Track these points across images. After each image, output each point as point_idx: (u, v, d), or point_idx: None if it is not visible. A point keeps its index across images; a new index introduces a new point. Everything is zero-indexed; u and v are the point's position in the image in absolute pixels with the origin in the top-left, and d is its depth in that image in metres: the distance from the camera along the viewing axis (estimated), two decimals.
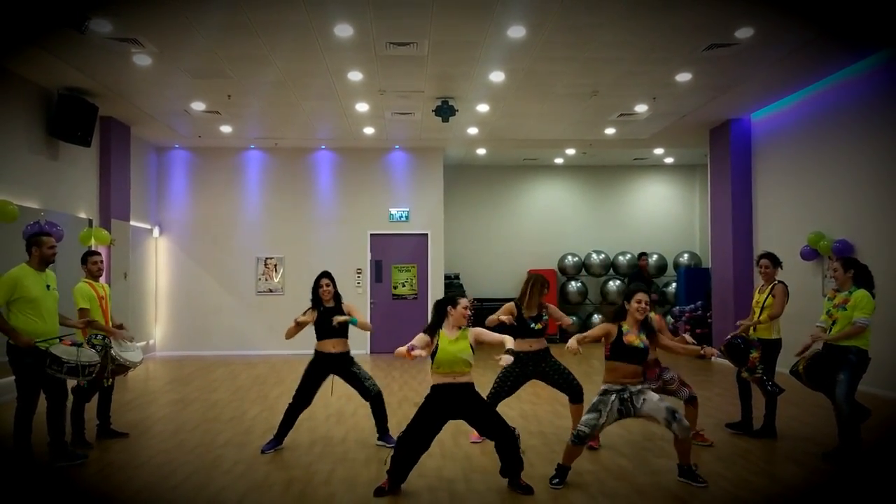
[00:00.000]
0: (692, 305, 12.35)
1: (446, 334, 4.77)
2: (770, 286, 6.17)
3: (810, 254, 9.20)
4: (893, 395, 7.66)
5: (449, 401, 4.64)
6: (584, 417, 4.75)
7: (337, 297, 5.94)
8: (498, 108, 10.24)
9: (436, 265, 12.94)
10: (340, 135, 11.99)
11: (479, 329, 4.88)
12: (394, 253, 13.03)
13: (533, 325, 5.74)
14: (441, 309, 4.87)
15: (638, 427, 6.50)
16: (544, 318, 5.83)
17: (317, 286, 5.89)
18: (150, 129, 11.38)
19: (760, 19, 6.83)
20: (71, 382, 5.43)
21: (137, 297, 11.80)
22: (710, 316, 11.70)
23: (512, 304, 5.83)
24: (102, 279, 6.19)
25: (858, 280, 5.45)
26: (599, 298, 14.80)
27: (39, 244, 5.28)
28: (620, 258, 14.75)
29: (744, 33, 7.14)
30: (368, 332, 12.32)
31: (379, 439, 5.87)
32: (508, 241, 15.14)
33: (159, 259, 12.80)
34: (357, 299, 12.62)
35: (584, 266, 14.80)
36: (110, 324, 6.00)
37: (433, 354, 4.68)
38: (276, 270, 12.78)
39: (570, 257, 14.79)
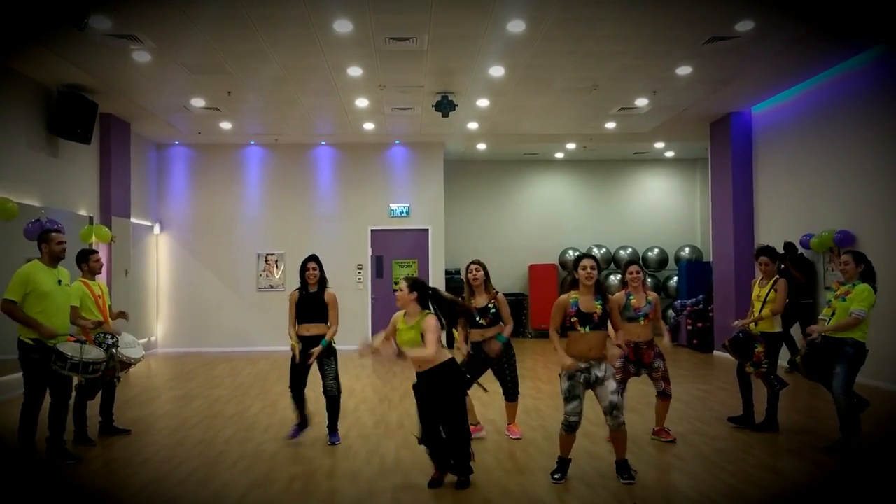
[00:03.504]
0: (693, 299, 12.34)
1: (404, 320, 4.76)
2: (771, 281, 6.16)
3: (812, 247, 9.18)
4: None
5: (423, 388, 4.68)
6: (568, 407, 4.69)
7: (322, 281, 5.93)
8: (498, 103, 10.22)
9: (436, 260, 12.93)
10: (340, 130, 11.98)
11: (434, 322, 4.67)
12: (394, 248, 13.03)
13: (478, 318, 5.80)
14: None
15: (641, 422, 6.52)
16: (492, 310, 5.84)
17: (304, 269, 5.92)
18: (149, 125, 11.37)
19: (760, 13, 6.82)
20: (75, 380, 5.45)
21: (138, 294, 11.80)
22: (711, 309, 11.70)
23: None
24: (103, 277, 6.20)
25: (863, 274, 5.45)
26: None
27: (48, 241, 5.37)
28: (621, 252, 14.74)
29: (744, 26, 7.13)
30: (368, 330, 12.35)
31: (330, 436, 5.88)
32: (509, 236, 15.13)
33: (160, 256, 12.81)
34: (358, 295, 12.64)
35: None
36: (109, 323, 6.02)
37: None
38: (276, 266, 12.78)
39: (570, 251, 14.77)
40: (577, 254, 5.18)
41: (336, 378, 5.89)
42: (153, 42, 7.46)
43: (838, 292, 5.52)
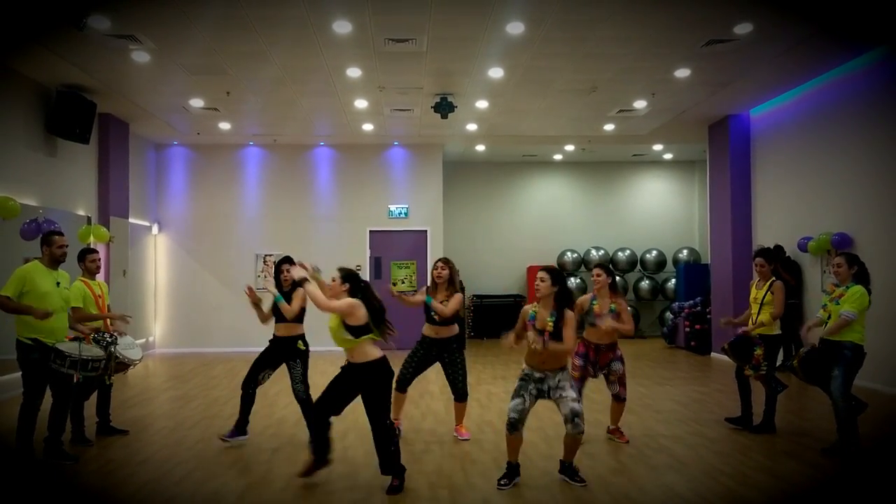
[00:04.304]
0: (691, 301, 12.36)
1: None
2: (768, 283, 6.17)
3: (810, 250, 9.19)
4: (895, 391, 7.67)
5: (348, 378, 4.66)
6: (512, 403, 4.68)
7: (295, 284, 5.84)
8: (497, 105, 10.22)
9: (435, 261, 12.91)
10: (339, 131, 11.98)
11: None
12: (393, 249, 13.03)
13: (432, 313, 5.85)
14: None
15: (638, 423, 6.52)
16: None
17: (277, 271, 5.94)
18: (148, 125, 11.36)
19: (759, 15, 6.83)
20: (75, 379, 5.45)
21: (137, 295, 11.79)
22: (709, 311, 11.71)
23: (425, 288, 6.05)
24: (101, 277, 6.21)
25: (858, 276, 5.46)
26: None
27: (50, 243, 5.39)
28: (620, 254, 14.76)
29: (743, 29, 7.14)
30: None
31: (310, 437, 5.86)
32: (508, 238, 15.14)
33: (158, 256, 12.80)
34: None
35: (583, 262, 14.80)
36: (109, 322, 6.02)
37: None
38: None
39: (569, 253, 14.79)
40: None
41: (302, 381, 5.80)
42: (152, 42, 7.46)
43: (833, 295, 5.53)
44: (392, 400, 5.21)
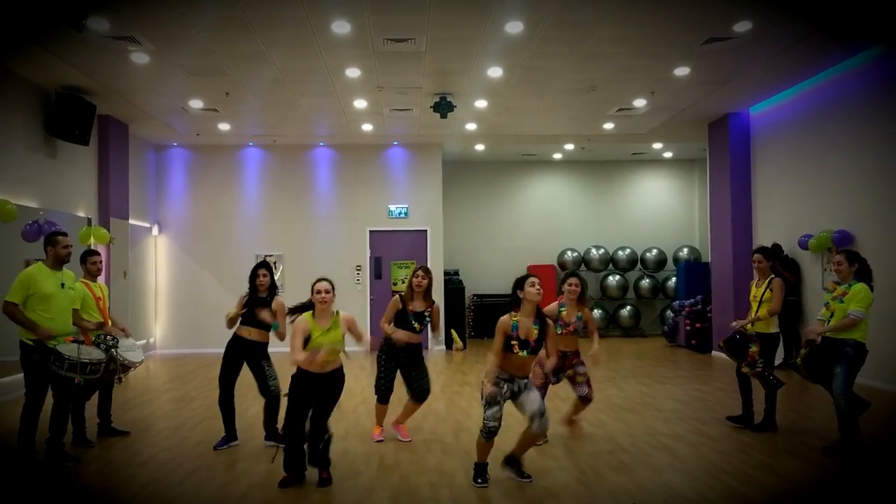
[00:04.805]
0: (692, 300, 12.36)
1: (317, 324, 4.72)
2: (767, 280, 6.17)
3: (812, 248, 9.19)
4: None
5: (312, 387, 4.69)
6: (489, 412, 4.62)
7: (272, 288, 5.93)
8: (496, 104, 10.22)
9: (435, 261, 12.92)
10: (339, 131, 11.98)
11: (350, 316, 4.87)
12: (393, 249, 13.03)
13: (413, 322, 5.87)
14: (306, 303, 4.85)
15: (639, 422, 6.53)
16: (427, 319, 5.95)
17: (254, 276, 5.95)
18: (148, 127, 11.36)
19: (758, 13, 6.83)
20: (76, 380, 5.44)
21: (137, 296, 11.80)
22: (709, 310, 11.71)
23: (397, 298, 5.95)
24: (102, 278, 6.21)
25: (859, 273, 5.45)
26: (599, 293, 14.80)
27: (55, 244, 5.38)
28: (620, 253, 14.76)
29: (742, 27, 7.13)
30: (367, 329, 12.31)
31: (266, 438, 5.89)
32: (508, 237, 15.14)
33: (158, 257, 12.80)
34: (357, 296, 12.63)
35: (583, 261, 14.80)
36: (109, 324, 6.01)
37: (305, 343, 4.65)
38: (275, 267, 12.77)
39: (569, 252, 14.79)
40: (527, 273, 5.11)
41: (276, 378, 5.89)
42: (151, 43, 7.46)
43: (835, 293, 5.52)
44: (376, 412, 5.78)
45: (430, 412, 7.02)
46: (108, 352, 5.62)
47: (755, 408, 6.25)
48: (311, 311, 4.78)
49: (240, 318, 5.85)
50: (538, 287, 4.69)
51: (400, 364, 5.93)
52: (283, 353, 4.90)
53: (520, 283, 4.77)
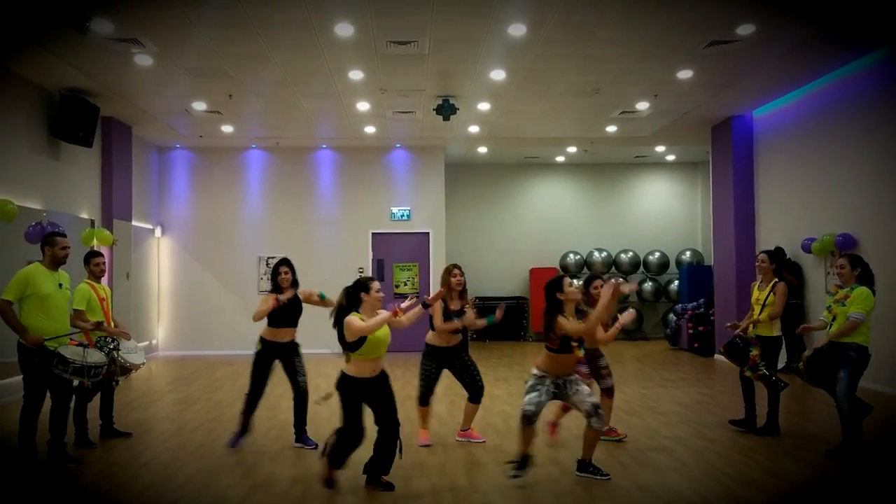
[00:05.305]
0: (694, 303, 12.34)
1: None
2: (770, 284, 6.16)
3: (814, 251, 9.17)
4: None
5: (368, 390, 4.56)
6: (528, 397, 4.71)
7: (294, 284, 6.00)
8: (499, 107, 10.23)
9: (437, 264, 12.90)
10: (341, 134, 11.99)
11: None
12: (395, 252, 13.03)
13: (455, 321, 5.81)
14: (354, 296, 4.61)
15: (640, 425, 6.51)
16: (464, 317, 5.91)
17: (276, 273, 5.98)
18: (151, 129, 11.39)
19: (762, 16, 6.82)
20: (75, 383, 5.44)
21: (140, 297, 11.81)
22: (712, 313, 11.69)
23: (440, 301, 5.78)
24: (105, 280, 6.21)
25: (861, 277, 5.44)
26: None
27: (53, 244, 5.37)
28: (622, 256, 14.75)
29: (745, 30, 7.13)
30: None
31: (297, 441, 5.86)
32: (510, 240, 15.13)
33: (161, 259, 12.82)
34: None
35: (586, 264, 14.79)
36: (111, 326, 6.00)
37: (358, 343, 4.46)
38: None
39: (572, 255, 14.78)
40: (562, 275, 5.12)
41: (305, 374, 5.95)
42: (155, 45, 7.48)
43: (837, 296, 5.51)
44: (419, 414, 5.78)
45: (432, 413, 7.00)
46: (109, 354, 5.63)
47: (758, 411, 6.24)
48: (354, 312, 4.55)
49: (267, 320, 5.89)
50: (576, 286, 4.86)
51: (451, 367, 5.87)
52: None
53: (557, 286, 4.83)
